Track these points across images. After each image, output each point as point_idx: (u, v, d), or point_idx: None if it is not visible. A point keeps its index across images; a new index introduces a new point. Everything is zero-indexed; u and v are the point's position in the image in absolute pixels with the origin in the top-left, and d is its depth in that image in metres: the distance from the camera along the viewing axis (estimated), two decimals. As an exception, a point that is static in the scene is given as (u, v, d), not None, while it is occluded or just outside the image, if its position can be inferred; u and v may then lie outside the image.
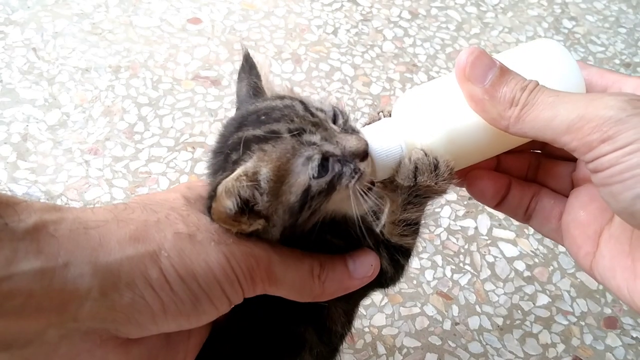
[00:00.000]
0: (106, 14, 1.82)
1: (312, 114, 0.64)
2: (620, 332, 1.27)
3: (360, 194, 0.63)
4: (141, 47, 1.74)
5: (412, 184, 0.65)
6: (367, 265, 0.66)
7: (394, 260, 0.73)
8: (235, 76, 1.63)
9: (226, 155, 0.63)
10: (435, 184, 0.64)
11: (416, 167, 0.64)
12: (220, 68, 1.71)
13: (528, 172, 0.73)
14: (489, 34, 1.93)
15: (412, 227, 0.71)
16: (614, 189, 0.51)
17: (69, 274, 0.49)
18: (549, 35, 1.94)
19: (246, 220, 0.60)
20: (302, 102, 0.65)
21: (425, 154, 0.63)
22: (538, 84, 0.56)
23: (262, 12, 1.90)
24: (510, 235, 1.41)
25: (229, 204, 0.58)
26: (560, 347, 1.24)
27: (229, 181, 0.58)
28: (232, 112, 1.55)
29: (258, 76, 0.73)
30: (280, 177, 0.61)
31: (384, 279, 0.75)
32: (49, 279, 0.48)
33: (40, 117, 1.53)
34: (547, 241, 1.40)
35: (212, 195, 0.58)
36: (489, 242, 1.39)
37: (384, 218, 0.69)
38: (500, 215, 1.44)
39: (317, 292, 0.65)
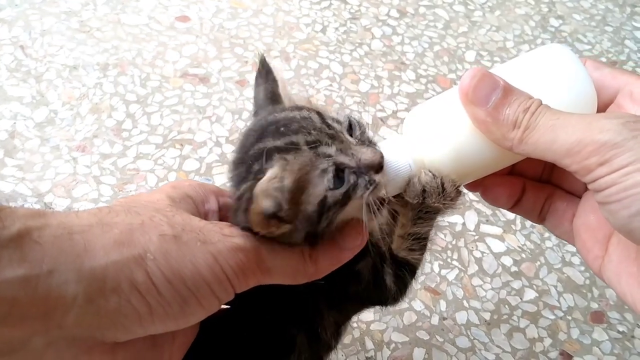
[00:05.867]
0: (94, 11, 1.82)
1: (329, 126, 0.65)
2: (607, 326, 1.28)
3: (373, 207, 0.64)
4: (129, 44, 1.74)
5: (420, 202, 0.67)
6: (354, 233, 0.66)
7: (399, 277, 0.74)
8: (224, 74, 1.65)
9: (248, 165, 0.64)
10: (443, 204, 0.67)
11: (424, 189, 0.66)
12: (208, 66, 1.70)
13: (543, 173, 0.74)
14: (477, 32, 1.94)
15: (421, 242, 0.73)
16: (612, 208, 0.53)
17: (54, 281, 0.48)
18: (535, 34, 1.96)
19: (276, 223, 0.61)
20: (319, 114, 0.67)
21: (433, 176, 0.65)
22: (541, 104, 0.57)
23: (251, 10, 1.90)
24: (498, 231, 1.41)
25: (267, 203, 0.58)
26: (547, 342, 1.25)
27: (263, 182, 0.58)
28: (220, 109, 1.56)
29: (275, 81, 0.73)
30: (300, 187, 0.62)
31: (387, 297, 0.76)
32: (34, 286, 0.47)
33: (27, 114, 1.52)
34: (534, 237, 1.41)
35: (249, 197, 0.58)
36: (476, 237, 1.40)
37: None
38: (487, 211, 1.45)
39: (311, 272, 0.65)
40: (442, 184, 0.65)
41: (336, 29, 1.88)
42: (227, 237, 0.59)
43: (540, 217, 0.74)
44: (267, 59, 0.75)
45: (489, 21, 1.99)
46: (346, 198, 0.63)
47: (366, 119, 1.62)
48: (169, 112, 1.57)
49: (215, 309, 0.59)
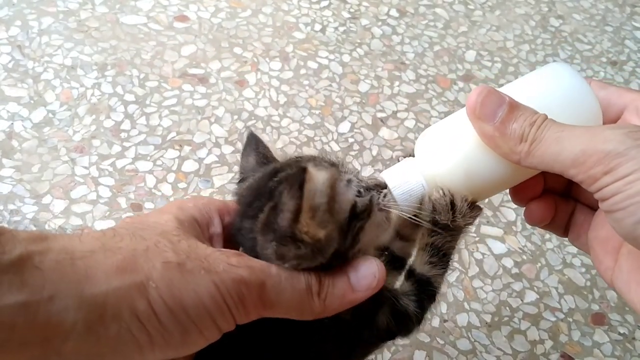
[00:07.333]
0: (92, 11, 1.81)
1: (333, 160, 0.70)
2: (608, 328, 1.28)
3: (388, 208, 0.67)
4: (128, 44, 1.73)
5: (433, 222, 0.68)
6: (370, 275, 0.64)
7: (419, 302, 0.73)
8: (223, 74, 1.64)
9: (270, 191, 0.63)
10: (454, 221, 0.68)
11: (434, 207, 0.67)
12: (207, 66, 1.70)
13: (565, 188, 0.76)
14: (477, 32, 1.94)
15: (440, 253, 0.72)
16: (617, 216, 0.54)
17: (54, 307, 0.47)
18: (536, 34, 1.95)
19: (315, 226, 0.59)
20: (319, 156, 0.71)
21: (443, 194, 0.66)
22: (546, 118, 0.59)
23: (250, 10, 1.89)
24: (499, 232, 1.41)
25: (324, 175, 0.59)
26: (549, 344, 1.25)
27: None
28: (219, 110, 1.55)
29: (266, 148, 0.74)
30: (333, 196, 0.62)
31: (410, 328, 0.75)
32: (33, 312, 0.47)
33: (25, 115, 1.51)
34: (535, 238, 1.41)
35: (300, 173, 0.57)
36: (477, 239, 1.39)
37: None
38: (488, 212, 1.44)
39: (318, 310, 0.63)
40: (452, 201, 0.66)
41: (335, 28, 1.88)
42: (232, 267, 0.57)
43: (565, 231, 0.75)
44: (254, 133, 0.77)
45: (489, 21, 1.98)
46: (370, 207, 0.65)
47: (366, 119, 1.62)
48: (168, 113, 1.56)
49: (216, 338, 0.58)
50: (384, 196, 0.67)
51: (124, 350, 0.52)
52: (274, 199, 0.60)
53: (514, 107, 0.61)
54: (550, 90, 0.65)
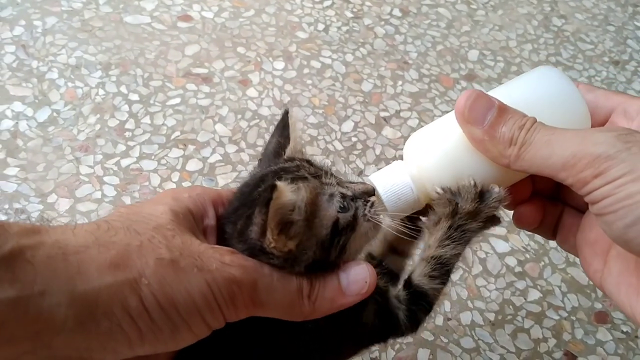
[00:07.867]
0: (96, 11, 1.81)
1: (321, 168, 0.69)
2: (611, 326, 1.28)
3: (376, 219, 0.66)
4: (131, 44, 1.73)
5: (453, 210, 0.67)
6: (361, 281, 0.65)
7: (412, 312, 0.73)
8: (227, 73, 1.65)
9: (251, 201, 0.64)
10: (479, 209, 0.67)
11: (459, 192, 0.66)
12: (211, 65, 1.70)
13: (554, 190, 0.76)
14: (480, 31, 1.94)
15: (443, 268, 0.71)
16: (608, 219, 0.54)
17: (45, 302, 0.48)
18: (538, 34, 1.96)
19: (284, 239, 0.60)
20: (308, 161, 0.70)
21: (474, 184, 0.66)
22: (535, 122, 0.59)
23: (253, 10, 1.89)
24: (502, 231, 1.41)
25: (292, 196, 0.59)
26: (552, 342, 1.25)
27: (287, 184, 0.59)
28: (223, 109, 1.55)
29: (287, 138, 0.75)
30: (313, 211, 0.63)
31: (398, 331, 0.74)
32: (24, 307, 0.47)
33: (30, 114, 1.51)
34: (538, 237, 1.41)
35: (269, 190, 0.57)
36: (480, 238, 1.39)
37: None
38: (491, 211, 1.44)
39: (307, 312, 0.63)
40: (480, 191, 0.65)
41: (338, 28, 1.88)
42: (225, 265, 0.58)
43: (553, 234, 0.75)
44: (290, 112, 0.77)
45: (491, 20, 1.99)
46: (355, 221, 0.65)
47: (369, 118, 1.62)
48: (172, 112, 1.56)
49: (205, 335, 0.59)
50: (371, 205, 0.67)
51: (114, 345, 0.53)
52: (252, 209, 0.61)
53: (503, 110, 0.61)
54: (538, 93, 0.65)
